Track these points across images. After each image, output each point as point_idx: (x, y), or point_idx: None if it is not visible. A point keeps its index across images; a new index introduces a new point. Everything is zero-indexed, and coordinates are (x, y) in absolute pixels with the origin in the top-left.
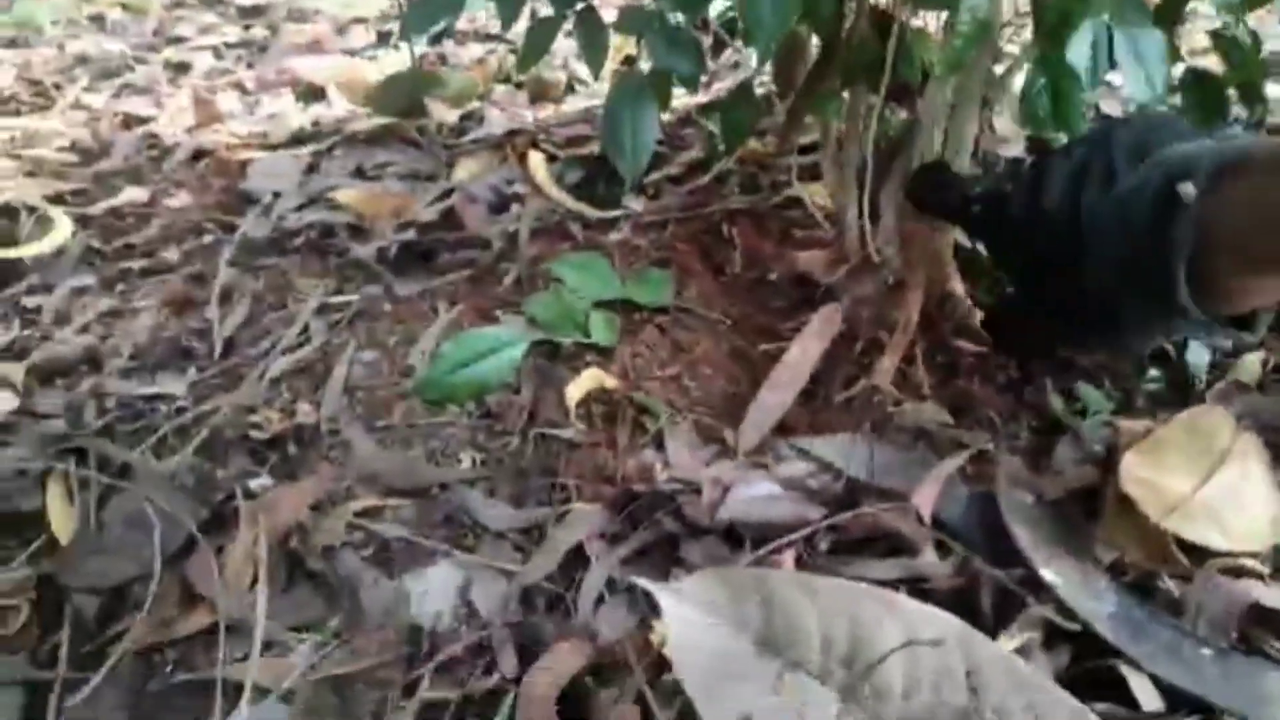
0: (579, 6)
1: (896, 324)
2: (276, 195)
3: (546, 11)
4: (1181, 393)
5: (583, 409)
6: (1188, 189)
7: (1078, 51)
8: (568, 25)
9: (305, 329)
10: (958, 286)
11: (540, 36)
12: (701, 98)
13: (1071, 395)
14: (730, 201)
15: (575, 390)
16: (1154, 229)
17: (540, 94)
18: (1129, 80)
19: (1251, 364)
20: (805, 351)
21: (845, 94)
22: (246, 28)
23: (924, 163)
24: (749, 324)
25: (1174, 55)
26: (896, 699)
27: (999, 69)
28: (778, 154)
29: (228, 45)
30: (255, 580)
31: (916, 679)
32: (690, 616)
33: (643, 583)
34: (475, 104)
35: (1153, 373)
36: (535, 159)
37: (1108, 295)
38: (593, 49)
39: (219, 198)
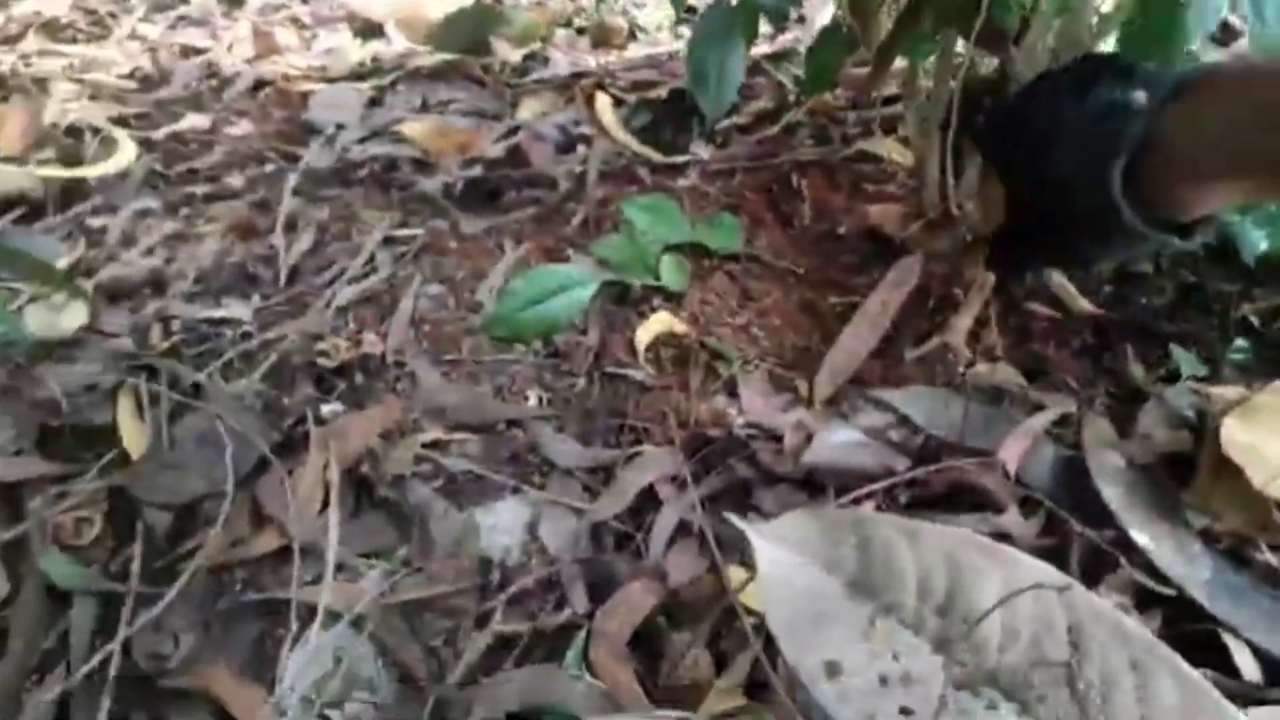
0: None
1: (972, 282)
2: (340, 127)
3: None
4: (1270, 364)
5: (651, 352)
6: (1139, 96)
7: None
8: None
9: (371, 260)
10: None
11: None
12: (768, 48)
13: (1151, 363)
14: (799, 153)
15: (645, 333)
16: (1103, 126)
17: (602, 39)
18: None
19: None
20: (884, 303)
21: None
22: None
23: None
24: (818, 276)
25: None
26: (993, 651)
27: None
28: (851, 105)
29: None
30: (325, 505)
31: (1015, 631)
32: (781, 556)
33: (735, 519)
34: (536, 46)
35: (1239, 343)
36: (602, 101)
37: (1062, 192)
38: None
39: (280, 127)
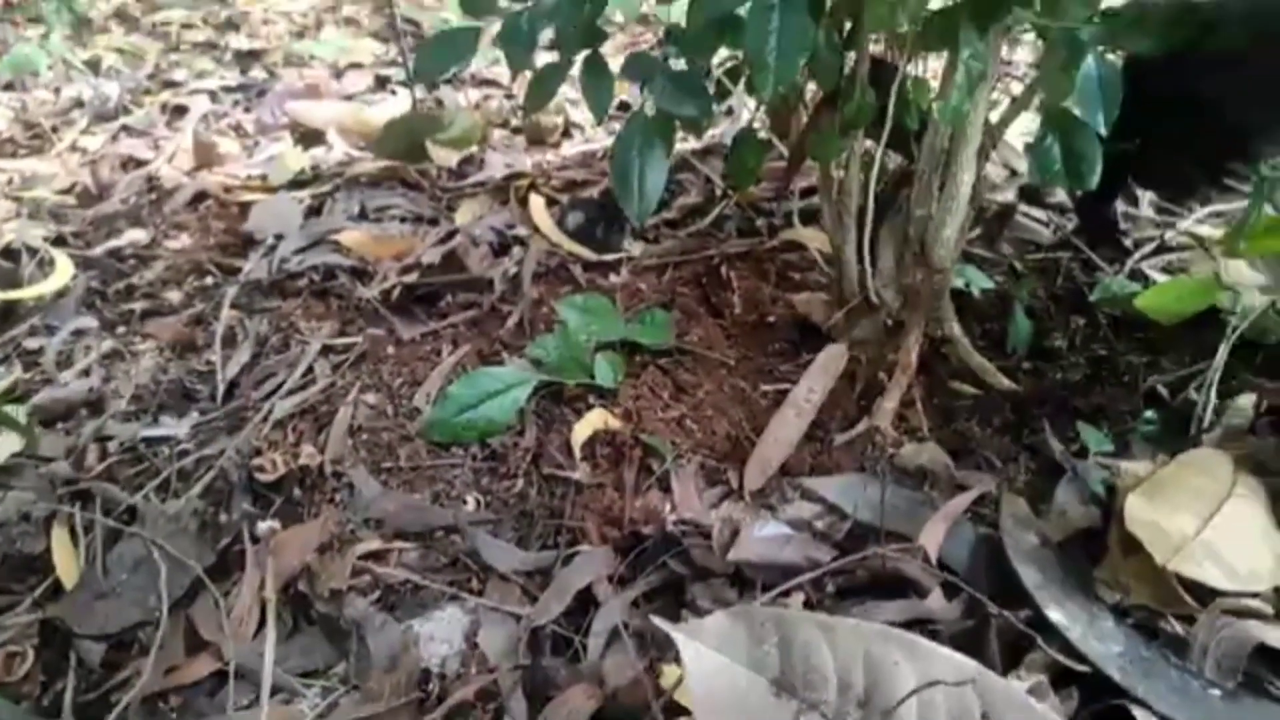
0: (584, 54)
1: (895, 366)
2: (279, 238)
3: (550, 57)
4: (1177, 436)
5: (587, 450)
6: None
7: (1086, 92)
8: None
9: (309, 371)
10: (955, 329)
11: (545, 82)
12: (697, 144)
13: (1067, 437)
14: (728, 245)
15: (581, 431)
16: None
17: (537, 138)
18: None
19: (1244, 407)
20: (811, 390)
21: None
22: (243, 72)
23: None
24: (749, 366)
25: None
26: None
27: (994, 115)
28: (776, 197)
29: (225, 89)
30: (261, 625)
31: None
32: (707, 658)
33: (661, 623)
34: (473, 149)
35: (1148, 414)
36: (536, 202)
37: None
38: (597, 95)
39: (220, 240)
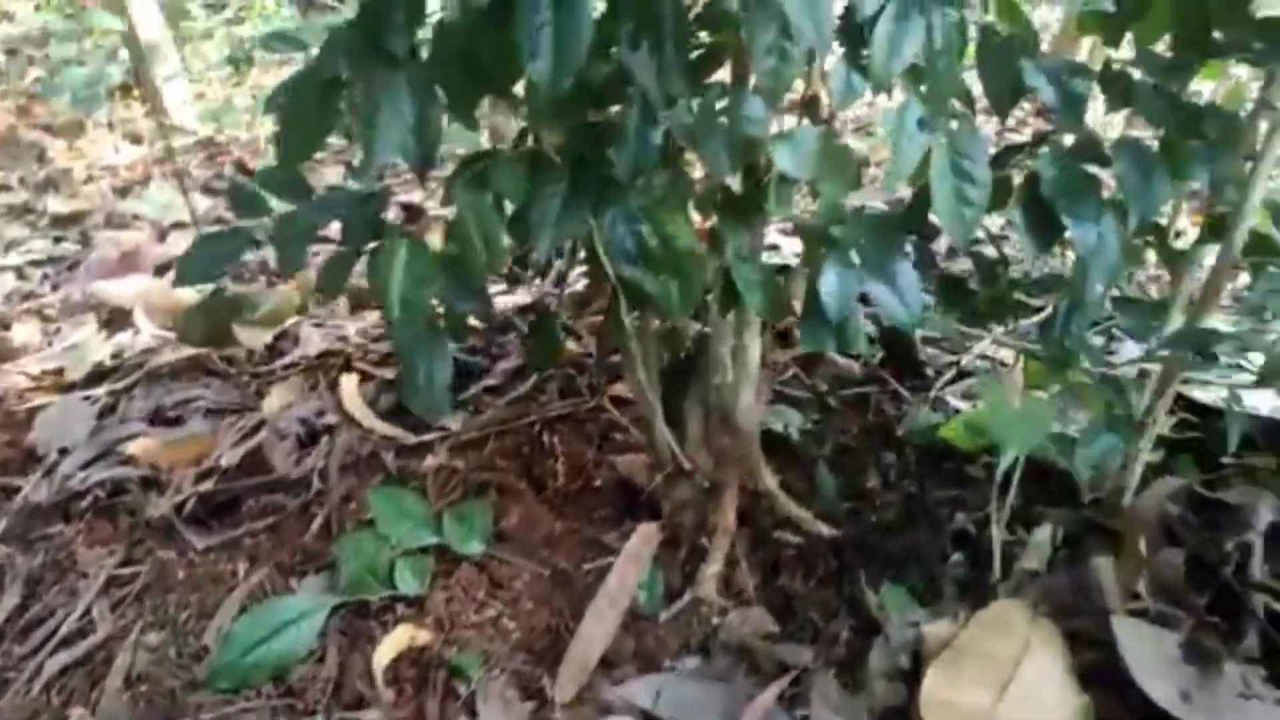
0: (371, 246)
1: (715, 528)
2: (62, 452)
3: None
4: (985, 573)
5: (392, 673)
6: None
7: (827, 287)
8: None
9: (86, 613)
10: (770, 482)
11: (335, 272)
12: (524, 298)
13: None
14: (550, 408)
15: (384, 654)
16: None
17: (360, 302)
18: (885, 306)
19: (1041, 542)
20: (624, 578)
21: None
22: (57, 240)
23: None
24: (573, 540)
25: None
26: None
27: None
28: (597, 364)
29: (33, 263)
30: None
31: None
32: None
33: None
34: (289, 322)
35: (955, 557)
36: (348, 385)
37: None
38: (385, 285)
39: (2, 454)
